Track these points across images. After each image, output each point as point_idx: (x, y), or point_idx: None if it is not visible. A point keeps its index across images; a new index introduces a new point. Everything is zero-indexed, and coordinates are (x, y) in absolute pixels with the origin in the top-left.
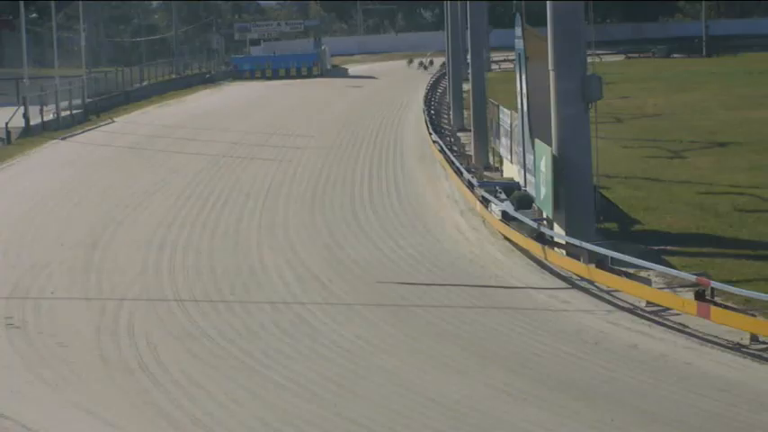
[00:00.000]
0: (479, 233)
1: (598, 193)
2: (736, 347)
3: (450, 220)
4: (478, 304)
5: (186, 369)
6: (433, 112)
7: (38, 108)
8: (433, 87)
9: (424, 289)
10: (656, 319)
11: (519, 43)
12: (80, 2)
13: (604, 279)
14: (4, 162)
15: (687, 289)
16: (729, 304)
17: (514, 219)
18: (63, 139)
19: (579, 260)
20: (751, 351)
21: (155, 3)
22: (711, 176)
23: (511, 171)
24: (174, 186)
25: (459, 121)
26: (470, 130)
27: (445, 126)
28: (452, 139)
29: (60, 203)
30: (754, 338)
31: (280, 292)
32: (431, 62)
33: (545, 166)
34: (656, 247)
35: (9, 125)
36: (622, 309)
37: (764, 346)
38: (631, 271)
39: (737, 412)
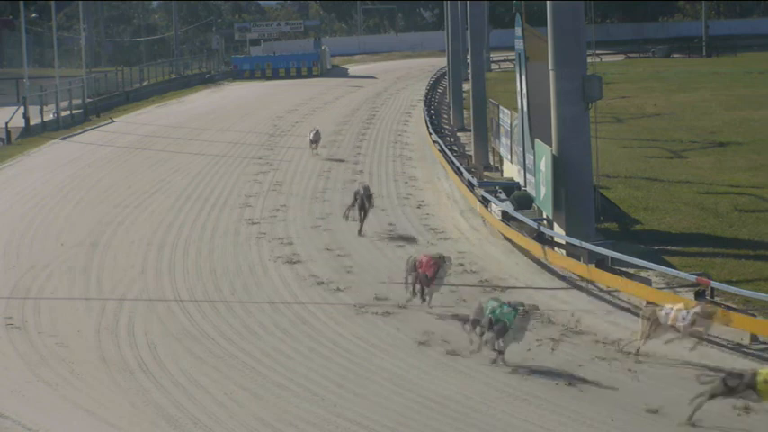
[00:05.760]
0: (479, 233)
1: (598, 193)
2: (736, 347)
3: (450, 220)
4: None
5: (186, 369)
6: (433, 112)
7: (38, 108)
8: (432, 87)
9: None
10: None
11: (519, 43)
12: (80, 2)
13: (604, 279)
14: (4, 162)
15: (687, 289)
16: (729, 304)
17: (514, 219)
18: (63, 139)
19: (579, 260)
20: (751, 351)
21: (155, 3)
22: (711, 176)
23: (511, 171)
24: (174, 186)
25: (459, 121)
26: (470, 130)
27: (445, 126)
28: (452, 139)
29: (60, 203)
30: (754, 338)
31: (280, 292)
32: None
33: (545, 166)
34: (655, 247)
35: (9, 125)
36: (622, 309)
37: (764, 346)
38: (631, 271)
39: (737, 412)
